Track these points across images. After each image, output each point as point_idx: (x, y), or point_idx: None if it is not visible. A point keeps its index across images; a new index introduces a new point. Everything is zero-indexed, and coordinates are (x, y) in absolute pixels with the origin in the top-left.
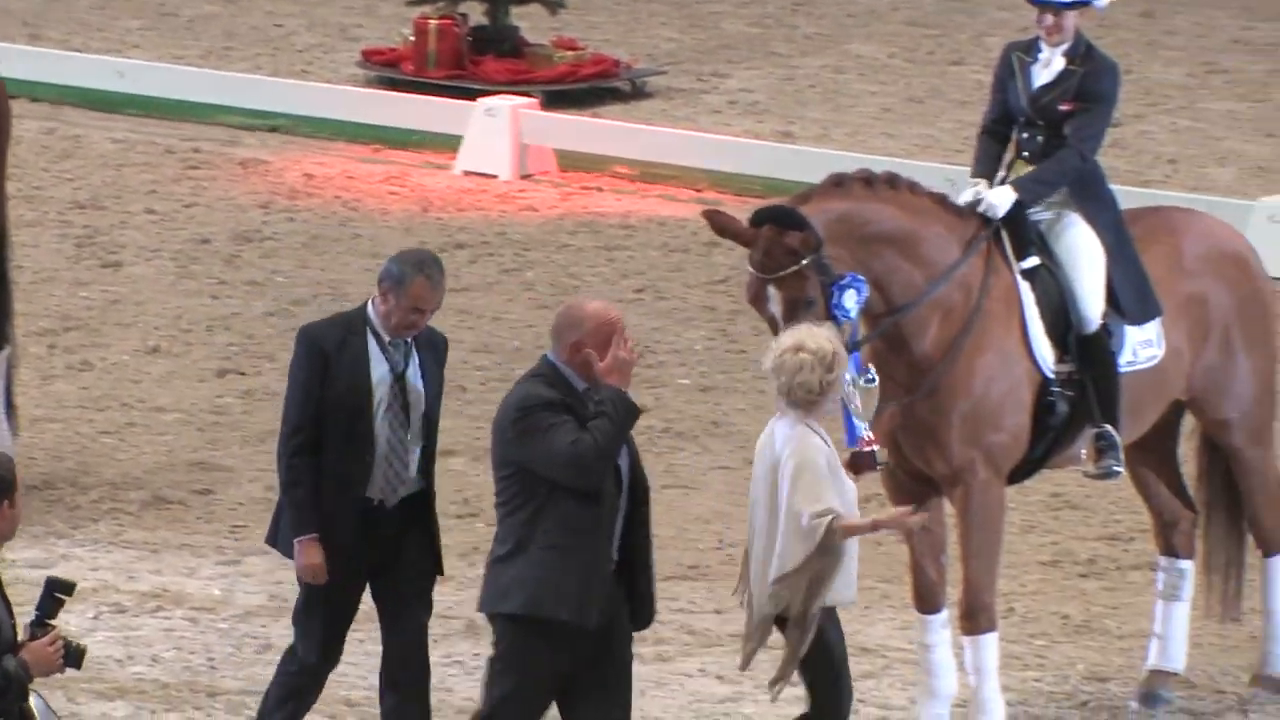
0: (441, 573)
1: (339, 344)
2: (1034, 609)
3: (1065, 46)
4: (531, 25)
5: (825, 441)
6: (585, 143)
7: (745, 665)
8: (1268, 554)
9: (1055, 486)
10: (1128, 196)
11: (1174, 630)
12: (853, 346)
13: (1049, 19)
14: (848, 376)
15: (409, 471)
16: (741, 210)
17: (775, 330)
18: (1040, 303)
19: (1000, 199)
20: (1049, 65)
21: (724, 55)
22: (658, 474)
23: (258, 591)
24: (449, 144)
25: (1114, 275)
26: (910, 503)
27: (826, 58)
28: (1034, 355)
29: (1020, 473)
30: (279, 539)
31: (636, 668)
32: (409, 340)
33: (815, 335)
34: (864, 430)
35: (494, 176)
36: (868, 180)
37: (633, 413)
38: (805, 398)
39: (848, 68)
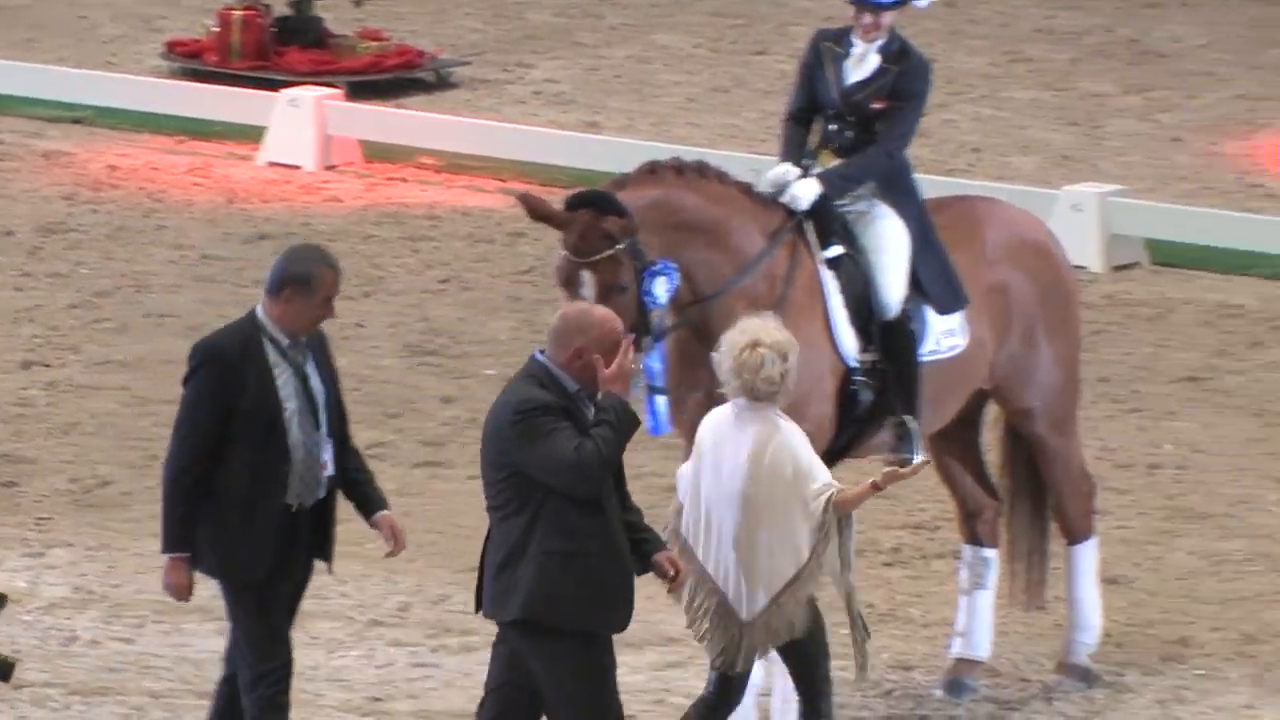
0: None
1: (241, 357)
2: (839, 598)
3: (880, 43)
4: (336, 16)
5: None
6: (390, 134)
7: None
8: (1071, 542)
9: (859, 476)
10: (932, 185)
11: (978, 619)
12: (658, 335)
13: (868, 18)
14: (654, 366)
15: (326, 472)
16: (546, 199)
17: None
18: (844, 292)
19: (805, 192)
20: (863, 61)
21: (529, 46)
22: (463, 464)
23: (62, 584)
24: (253, 135)
25: (920, 265)
26: None
27: (631, 48)
28: (837, 345)
29: (825, 462)
30: (197, 553)
31: (444, 659)
32: (303, 340)
33: (767, 328)
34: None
35: (298, 167)
36: (679, 169)
37: (635, 422)
38: (769, 390)
39: (653, 58)
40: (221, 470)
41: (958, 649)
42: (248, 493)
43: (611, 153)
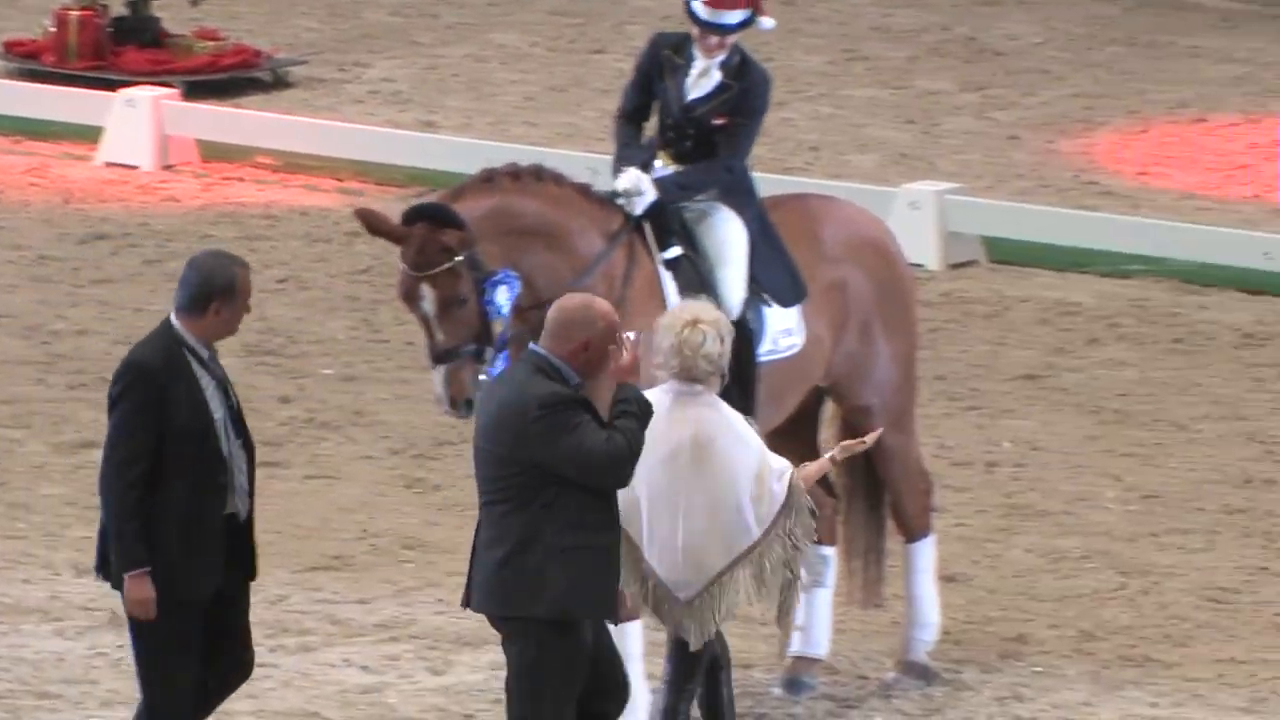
0: (255, 576)
1: (171, 371)
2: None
3: (721, 58)
4: (172, 16)
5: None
6: (227, 133)
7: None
8: (909, 540)
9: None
10: (770, 184)
11: (817, 616)
12: (501, 345)
13: (713, 39)
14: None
15: (247, 479)
16: (384, 199)
17: (427, 329)
18: (683, 293)
19: (640, 194)
20: (704, 76)
21: (366, 45)
22: (301, 464)
23: None
24: (90, 135)
25: (758, 263)
26: None
27: (469, 47)
28: None
29: None
30: (110, 570)
31: (282, 659)
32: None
33: (705, 308)
34: None
35: (135, 167)
36: (515, 174)
37: (651, 412)
38: (707, 370)
39: (490, 57)
40: (159, 489)
41: (796, 647)
42: (188, 508)
43: (449, 152)
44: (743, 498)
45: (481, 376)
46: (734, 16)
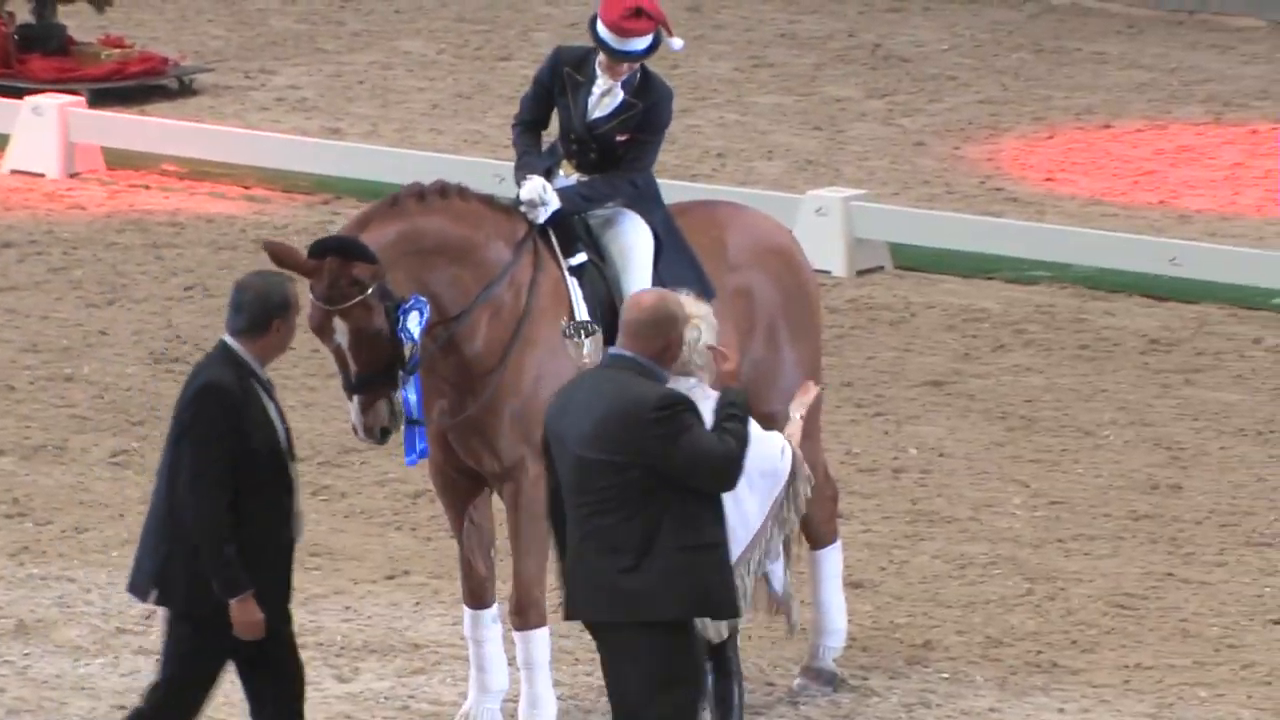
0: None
1: (243, 393)
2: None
3: (625, 78)
4: (79, 23)
5: None
6: (133, 141)
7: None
8: (815, 547)
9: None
10: (677, 191)
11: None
12: (413, 368)
13: (623, 67)
14: (410, 398)
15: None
16: (291, 206)
17: (341, 360)
18: (589, 300)
19: (545, 203)
20: (607, 95)
21: (271, 52)
22: None
23: None
24: None
25: (665, 266)
26: (459, 498)
27: (374, 54)
28: None
29: None
30: (174, 595)
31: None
32: None
33: (689, 301)
34: None
35: (41, 175)
36: (420, 195)
37: (750, 412)
38: (700, 363)
39: (395, 64)
40: (233, 514)
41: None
42: (262, 531)
43: (355, 159)
44: (743, 487)
45: (396, 402)
46: (641, 43)
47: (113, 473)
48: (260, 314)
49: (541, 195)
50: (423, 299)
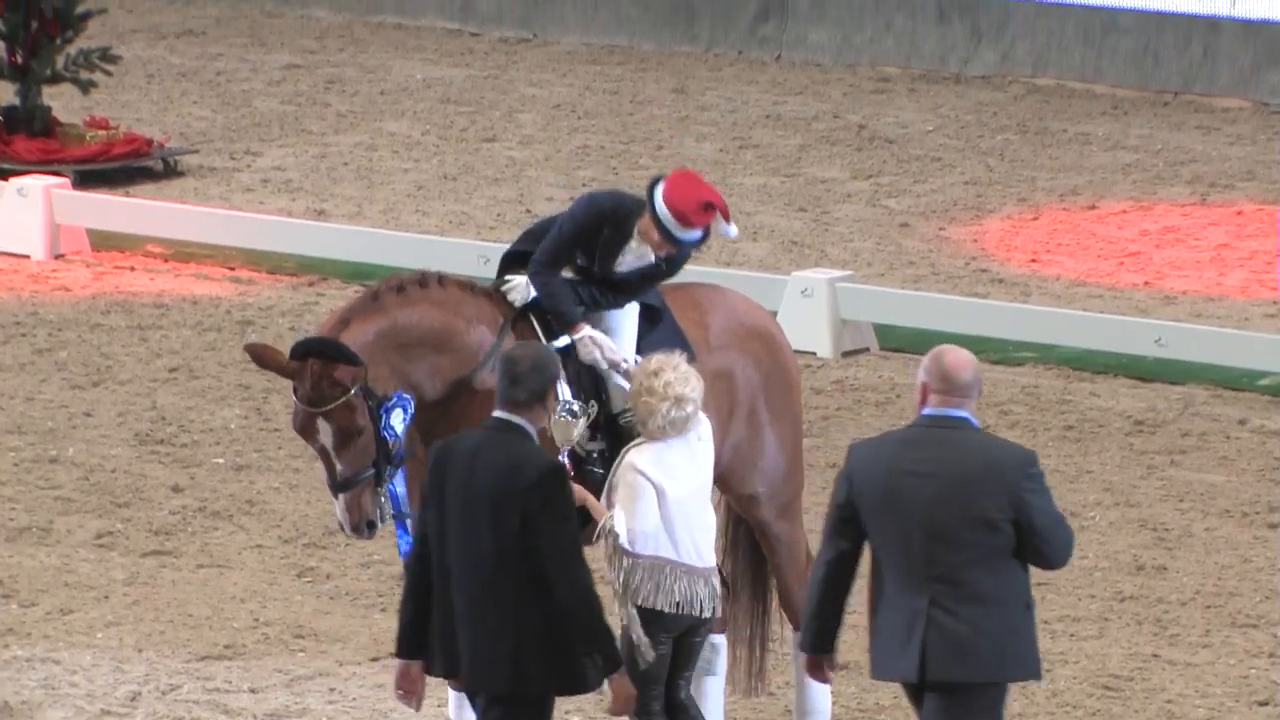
0: None
1: None
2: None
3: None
4: (64, 105)
5: None
6: (118, 222)
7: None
8: (798, 628)
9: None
10: None
11: (708, 704)
12: (399, 462)
13: (670, 248)
14: (398, 491)
15: None
16: (276, 288)
17: (326, 460)
18: (573, 383)
19: (525, 292)
20: (639, 258)
21: (256, 133)
22: (192, 553)
23: None
24: None
25: (648, 344)
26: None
27: (359, 135)
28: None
29: None
30: (523, 676)
31: None
32: None
33: (669, 363)
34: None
35: (27, 257)
36: (399, 287)
37: None
38: (693, 414)
39: (380, 145)
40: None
41: None
42: None
43: (340, 240)
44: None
45: (382, 496)
46: (698, 233)
47: (98, 554)
48: (539, 385)
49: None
50: (406, 396)
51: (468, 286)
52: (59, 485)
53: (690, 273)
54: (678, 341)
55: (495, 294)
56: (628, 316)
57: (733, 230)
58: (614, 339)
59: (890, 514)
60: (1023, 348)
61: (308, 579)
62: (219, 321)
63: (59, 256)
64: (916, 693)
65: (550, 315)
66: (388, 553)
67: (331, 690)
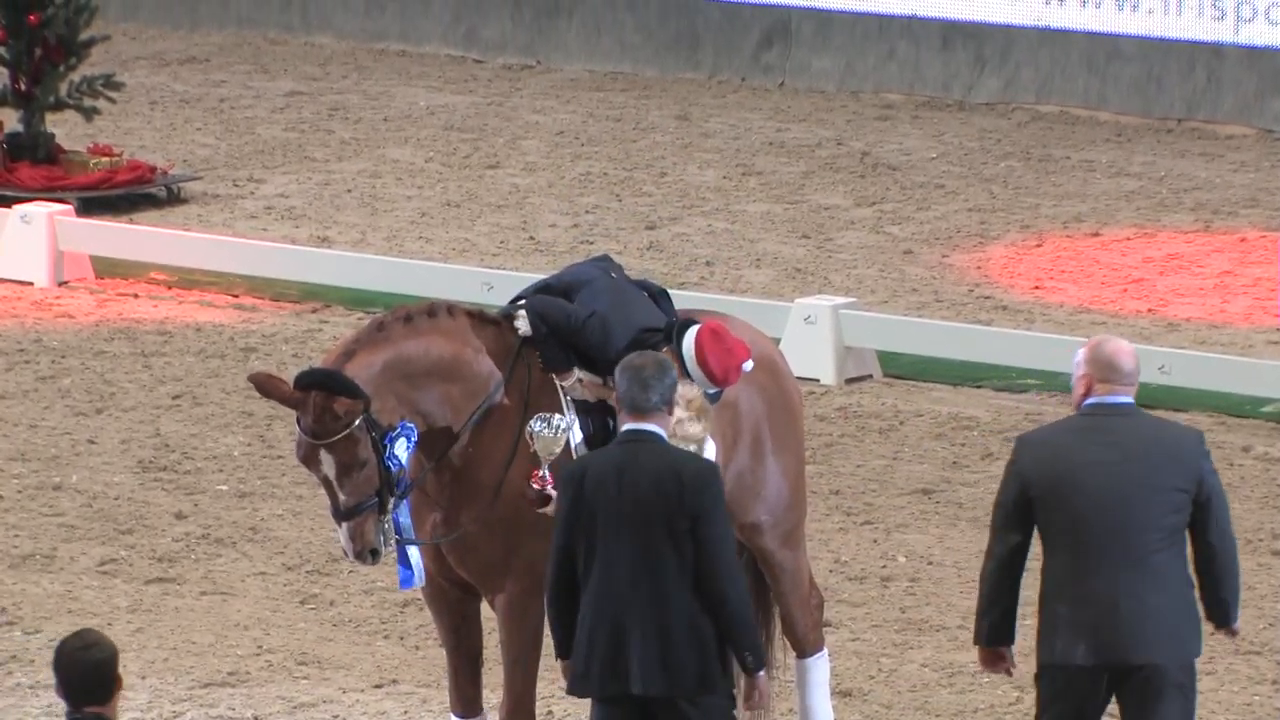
0: None
1: None
2: (574, 712)
3: None
4: (67, 131)
5: None
6: (122, 249)
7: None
8: (801, 656)
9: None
10: None
11: None
12: (404, 490)
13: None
14: (402, 520)
15: None
16: (279, 315)
17: (330, 489)
18: (580, 411)
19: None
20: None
21: (260, 160)
22: (196, 580)
23: None
24: None
25: None
26: (449, 608)
27: (363, 162)
28: (573, 455)
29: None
30: (709, 676)
31: None
32: None
33: (691, 403)
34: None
35: (30, 284)
36: (407, 317)
37: None
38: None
39: (384, 172)
40: None
41: None
42: None
43: (343, 267)
44: None
45: (385, 524)
46: (717, 387)
47: (101, 581)
48: (666, 390)
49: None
50: (410, 425)
51: (476, 316)
52: (62, 512)
53: (695, 299)
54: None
55: (504, 322)
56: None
57: (748, 366)
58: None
59: (1073, 502)
60: (1026, 375)
61: (311, 606)
62: (222, 348)
63: (62, 283)
64: (1093, 679)
65: (544, 361)
66: (391, 579)
67: (335, 717)
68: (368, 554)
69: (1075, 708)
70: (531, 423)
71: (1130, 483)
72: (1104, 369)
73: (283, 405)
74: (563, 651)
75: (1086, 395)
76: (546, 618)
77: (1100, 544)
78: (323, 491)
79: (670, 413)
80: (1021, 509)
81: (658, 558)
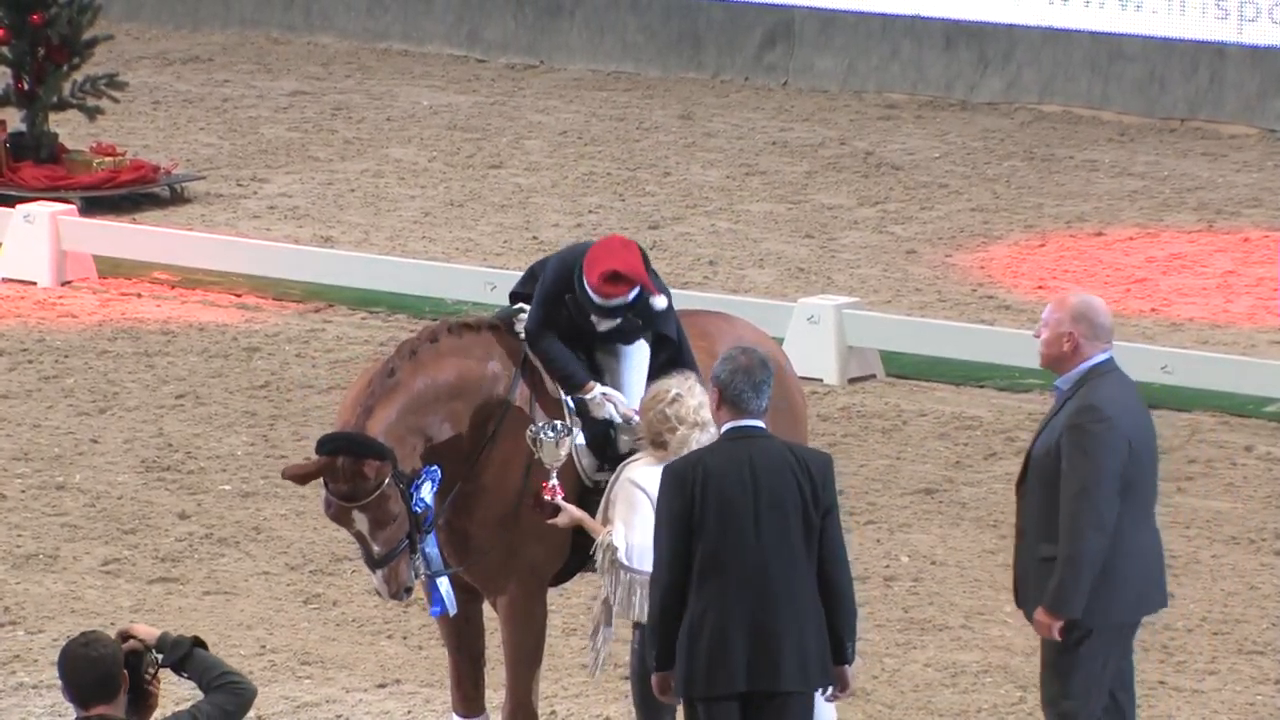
0: None
1: None
2: (576, 711)
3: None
4: (70, 131)
5: None
6: (125, 249)
7: None
8: None
9: (598, 590)
10: None
11: None
12: (430, 527)
13: (607, 320)
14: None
15: None
16: (282, 314)
17: (363, 541)
18: (586, 420)
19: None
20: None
21: (263, 160)
22: (199, 580)
23: None
24: None
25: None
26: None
27: (366, 162)
28: (576, 465)
29: (561, 576)
30: (826, 669)
31: None
32: None
33: (693, 390)
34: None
35: (33, 283)
36: (412, 351)
37: None
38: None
39: (387, 172)
40: None
41: None
42: None
43: (346, 267)
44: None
45: (416, 560)
46: (623, 299)
47: (104, 581)
48: (772, 391)
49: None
50: (433, 468)
51: (477, 327)
52: (66, 512)
53: (696, 299)
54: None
55: (505, 331)
56: (637, 369)
57: (659, 303)
58: (625, 392)
59: (1146, 457)
60: (1029, 374)
61: (314, 606)
62: (226, 348)
63: (66, 283)
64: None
65: (557, 380)
66: None
67: (338, 717)
68: (402, 593)
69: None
70: (533, 429)
71: (1154, 436)
72: (1092, 327)
73: (315, 478)
74: (666, 662)
75: (1079, 357)
76: (647, 626)
77: (1150, 496)
78: (359, 546)
79: (769, 409)
80: (1127, 472)
81: (793, 550)
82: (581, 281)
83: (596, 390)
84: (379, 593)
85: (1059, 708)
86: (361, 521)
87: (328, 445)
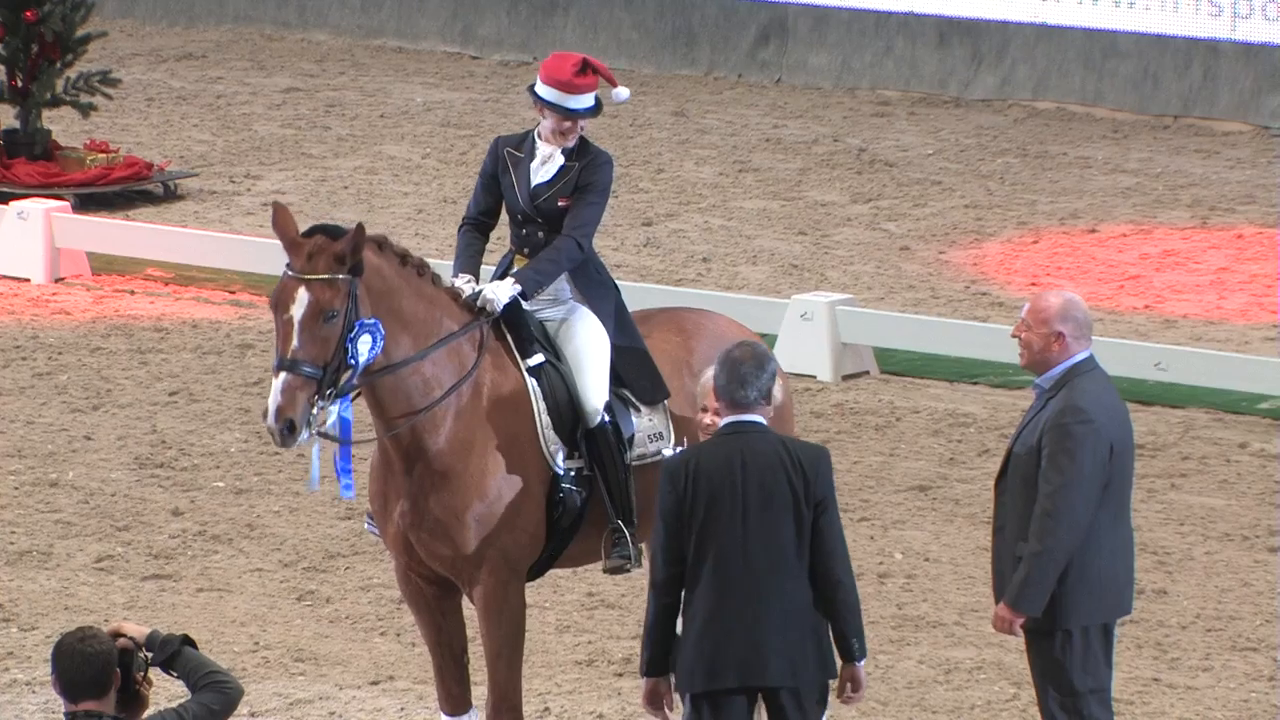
0: None
1: None
2: (570, 708)
3: (567, 146)
4: (63, 128)
5: None
6: (118, 245)
7: None
8: None
9: (590, 586)
10: (662, 295)
11: None
12: (344, 390)
13: (566, 124)
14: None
15: None
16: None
17: (285, 336)
18: (547, 399)
19: (500, 292)
20: (547, 163)
21: (256, 157)
22: (192, 577)
23: None
24: None
25: (620, 363)
26: (428, 606)
27: (359, 159)
28: (544, 452)
29: (536, 569)
30: (827, 664)
31: None
32: None
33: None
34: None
35: (27, 280)
36: (402, 256)
37: None
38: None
39: (380, 169)
40: None
41: None
42: None
43: None
44: None
45: (315, 409)
46: (587, 100)
47: (97, 578)
48: (766, 383)
49: (477, 289)
50: (381, 329)
51: (452, 293)
52: (59, 509)
53: (690, 296)
54: (645, 366)
55: (473, 307)
56: (595, 341)
57: (623, 93)
58: (584, 366)
59: (1126, 458)
60: (1023, 371)
61: (308, 603)
62: (219, 345)
63: (59, 280)
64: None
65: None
66: (387, 576)
67: (331, 714)
68: (286, 426)
69: None
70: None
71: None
72: (1078, 325)
73: (283, 239)
74: (654, 668)
75: (1067, 353)
76: (643, 625)
77: (1126, 493)
78: (276, 345)
79: (769, 404)
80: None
81: (782, 546)
82: (537, 89)
83: (468, 280)
84: (264, 412)
85: (1060, 710)
86: (301, 304)
87: (310, 229)
